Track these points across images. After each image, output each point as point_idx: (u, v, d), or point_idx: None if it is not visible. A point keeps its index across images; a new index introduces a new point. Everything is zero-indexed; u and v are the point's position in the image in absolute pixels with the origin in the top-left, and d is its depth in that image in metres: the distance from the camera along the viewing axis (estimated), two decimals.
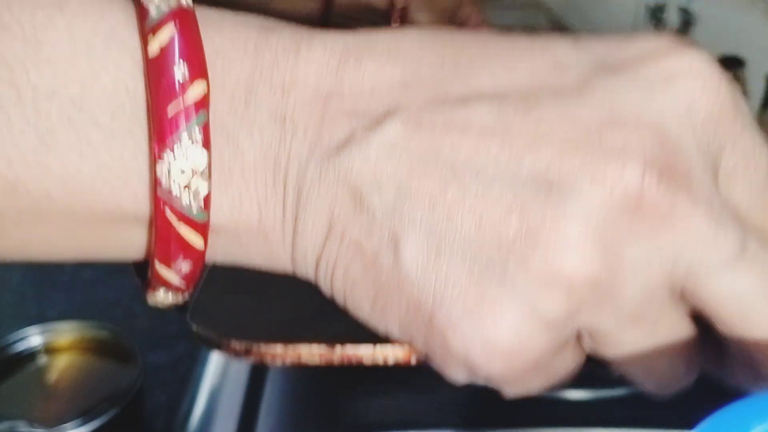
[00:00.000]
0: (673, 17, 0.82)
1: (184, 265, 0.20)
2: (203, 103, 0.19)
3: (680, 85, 0.19)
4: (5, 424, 0.45)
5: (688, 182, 0.18)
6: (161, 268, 0.20)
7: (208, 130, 0.19)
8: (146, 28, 0.19)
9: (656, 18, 0.86)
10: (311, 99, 0.20)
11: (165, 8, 0.19)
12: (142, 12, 0.19)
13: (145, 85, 0.19)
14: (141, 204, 0.20)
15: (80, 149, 0.19)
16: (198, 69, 0.19)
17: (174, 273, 0.20)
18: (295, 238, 0.21)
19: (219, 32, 0.20)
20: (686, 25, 0.79)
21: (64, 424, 0.45)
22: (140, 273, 0.22)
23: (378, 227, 0.19)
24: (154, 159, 0.19)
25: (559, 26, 1.24)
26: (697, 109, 0.19)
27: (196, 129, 0.19)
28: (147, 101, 0.19)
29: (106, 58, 0.19)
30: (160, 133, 0.19)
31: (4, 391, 0.49)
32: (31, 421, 0.46)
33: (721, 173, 0.20)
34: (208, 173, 0.19)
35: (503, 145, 0.18)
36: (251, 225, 0.21)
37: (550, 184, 0.18)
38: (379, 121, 0.19)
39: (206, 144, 0.19)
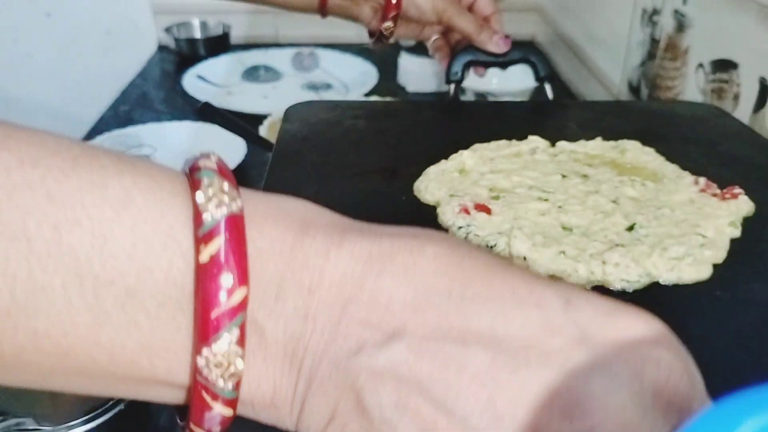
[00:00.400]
0: (668, 21, 0.82)
1: (215, 428, 0.23)
2: (242, 307, 0.21)
3: (646, 379, 0.21)
4: (12, 421, 0.46)
5: None
6: (196, 429, 0.23)
7: (245, 329, 0.21)
8: (200, 234, 0.21)
9: (652, 22, 0.87)
10: (333, 301, 0.22)
11: (218, 216, 0.21)
12: (197, 217, 0.21)
13: (194, 285, 0.21)
14: (175, 376, 0.22)
15: (128, 330, 0.21)
16: (241, 277, 0.21)
17: None
18: (300, 416, 0.23)
19: (261, 234, 0.22)
20: (681, 29, 0.80)
21: (71, 422, 0.46)
22: (180, 411, 0.24)
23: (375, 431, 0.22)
24: (196, 351, 0.21)
25: (556, 31, 1.24)
26: (657, 401, 0.21)
27: (235, 330, 0.21)
28: (192, 297, 0.21)
29: (162, 256, 0.21)
30: (203, 332, 0.21)
31: (11, 388, 0.49)
32: (38, 418, 0.46)
33: None
34: (242, 365, 0.22)
35: (489, 400, 0.21)
36: (265, 400, 0.23)
37: None
38: (389, 338, 0.22)
39: (241, 342, 0.21)
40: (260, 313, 0.22)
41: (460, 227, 0.41)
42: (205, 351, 0.21)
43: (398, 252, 0.23)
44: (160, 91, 1.18)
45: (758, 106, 0.64)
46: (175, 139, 0.95)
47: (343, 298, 0.22)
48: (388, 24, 0.64)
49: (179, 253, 0.21)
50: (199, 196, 0.22)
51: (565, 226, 0.41)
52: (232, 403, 0.22)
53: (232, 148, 0.88)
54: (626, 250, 0.38)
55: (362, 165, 0.51)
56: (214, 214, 0.21)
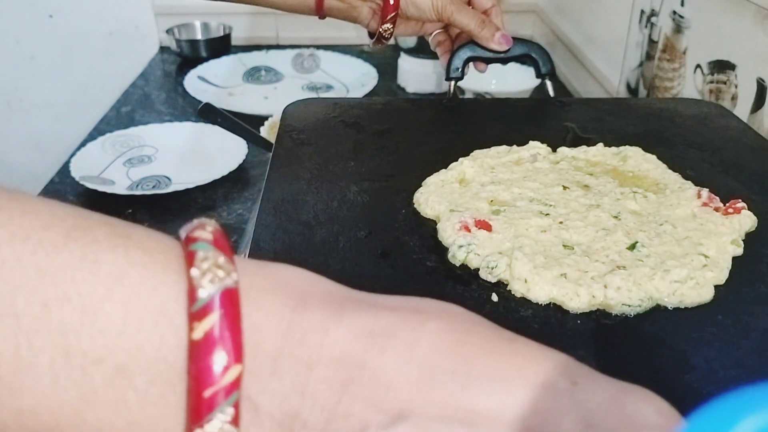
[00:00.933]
0: (666, 22, 0.83)
1: None
2: (237, 385, 0.21)
3: None
4: None
5: None
6: None
7: (239, 406, 0.21)
8: (193, 310, 0.21)
9: (650, 23, 0.87)
10: (333, 379, 0.22)
11: (213, 291, 0.21)
12: (191, 292, 0.21)
13: (186, 362, 0.21)
14: None
15: (116, 407, 0.21)
16: (236, 355, 0.21)
17: None
18: None
19: (257, 308, 0.22)
20: (678, 30, 0.80)
21: None
22: None
23: None
24: (188, 431, 0.21)
25: (554, 32, 1.25)
26: None
27: (229, 409, 0.20)
28: (183, 374, 0.21)
29: (153, 332, 0.21)
30: (196, 411, 0.20)
31: None
32: None
33: None
34: None
35: None
36: None
37: None
38: (394, 419, 0.21)
39: (235, 421, 0.21)
40: (254, 389, 0.21)
41: (461, 246, 0.40)
42: (197, 431, 0.21)
43: (400, 329, 0.22)
44: (161, 92, 1.18)
45: (756, 107, 0.65)
46: (177, 139, 0.95)
47: (343, 376, 0.22)
48: (387, 26, 0.64)
49: (171, 329, 0.21)
50: (194, 271, 0.21)
51: (567, 245, 0.41)
52: None
53: (233, 149, 0.89)
54: (628, 273, 0.38)
55: (361, 173, 0.50)
56: (209, 289, 0.21)
